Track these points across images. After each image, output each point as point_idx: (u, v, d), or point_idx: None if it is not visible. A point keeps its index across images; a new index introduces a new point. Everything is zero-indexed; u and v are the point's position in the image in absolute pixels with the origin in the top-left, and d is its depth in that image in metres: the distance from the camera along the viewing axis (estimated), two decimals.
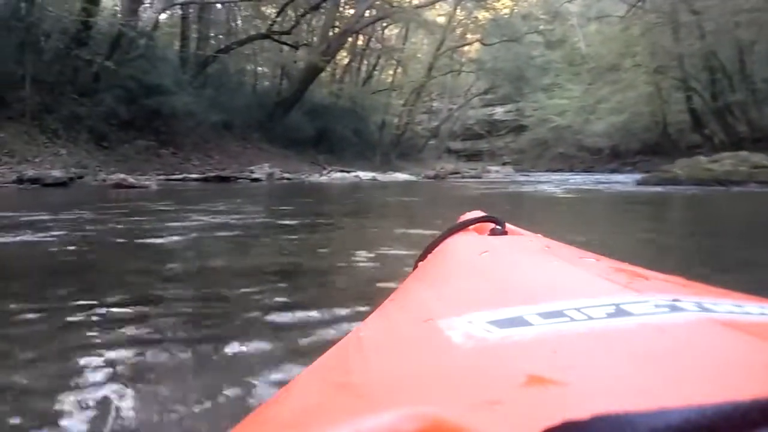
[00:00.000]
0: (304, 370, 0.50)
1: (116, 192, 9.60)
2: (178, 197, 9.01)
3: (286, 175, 16.18)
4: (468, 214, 1.17)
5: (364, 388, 0.38)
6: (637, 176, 16.21)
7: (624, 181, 15.32)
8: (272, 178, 15.64)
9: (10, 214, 5.10)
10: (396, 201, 8.56)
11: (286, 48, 27.76)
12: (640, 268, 0.58)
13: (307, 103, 27.95)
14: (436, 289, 0.66)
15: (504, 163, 38.99)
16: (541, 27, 35.92)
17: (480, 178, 20.21)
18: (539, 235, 1.00)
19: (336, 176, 15.93)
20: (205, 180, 14.40)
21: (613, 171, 31.33)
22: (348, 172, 17.02)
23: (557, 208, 7.58)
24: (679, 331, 0.35)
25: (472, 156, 43.38)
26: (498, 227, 1.00)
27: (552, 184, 14.16)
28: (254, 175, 14.81)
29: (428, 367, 0.37)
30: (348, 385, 0.40)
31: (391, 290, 0.81)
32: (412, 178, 18.46)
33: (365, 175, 16.25)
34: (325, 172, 17.13)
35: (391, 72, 35.72)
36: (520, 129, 43.08)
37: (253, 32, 25.06)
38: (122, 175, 10.15)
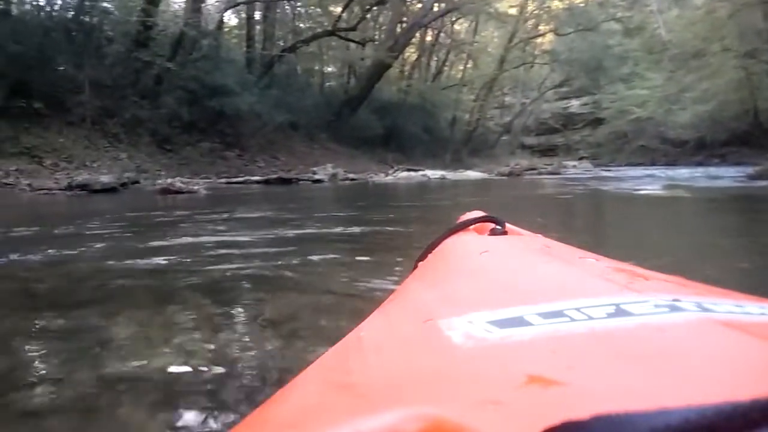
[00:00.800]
0: (304, 370, 0.49)
1: (163, 198, 8.86)
2: (224, 202, 8.22)
3: (351, 176, 15.26)
4: (468, 214, 1.17)
5: (364, 388, 0.38)
6: (732, 169, 14.46)
7: (727, 175, 13.59)
8: (336, 178, 14.75)
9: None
10: (468, 202, 7.47)
11: (353, 45, 26.96)
12: (640, 268, 0.57)
13: (375, 101, 27.06)
14: (436, 289, 0.65)
15: (581, 158, 37.07)
16: (619, 14, 33.62)
17: (558, 174, 18.77)
18: (539, 235, 1.01)
19: (402, 176, 14.89)
20: (267, 182, 13.61)
21: (699, 164, 29.22)
22: (416, 171, 15.95)
23: (691, 220, 5.44)
24: (679, 331, 0.35)
25: (547, 151, 41.43)
26: (498, 227, 1.00)
27: (644, 180, 12.68)
28: (316, 177, 13.94)
29: (428, 367, 0.38)
30: (348, 385, 0.40)
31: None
32: (485, 175, 17.23)
33: (434, 173, 15.13)
34: (390, 171, 16.12)
35: (461, 67, 34.35)
36: (597, 122, 40.79)
37: (318, 30, 24.28)
38: (169, 180, 9.42)
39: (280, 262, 2.80)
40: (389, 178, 14.52)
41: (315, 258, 2.93)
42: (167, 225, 4.77)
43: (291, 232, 4.09)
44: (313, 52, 27.08)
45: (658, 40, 36.74)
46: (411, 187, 11.99)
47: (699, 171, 17.82)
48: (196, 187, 9.51)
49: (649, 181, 11.82)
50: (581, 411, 0.24)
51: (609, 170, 22.51)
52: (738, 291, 0.46)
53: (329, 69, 29.69)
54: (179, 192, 9.15)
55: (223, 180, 14.28)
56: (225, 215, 5.80)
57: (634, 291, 0.44)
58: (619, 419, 0.23)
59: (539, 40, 36.83)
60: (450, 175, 15.52)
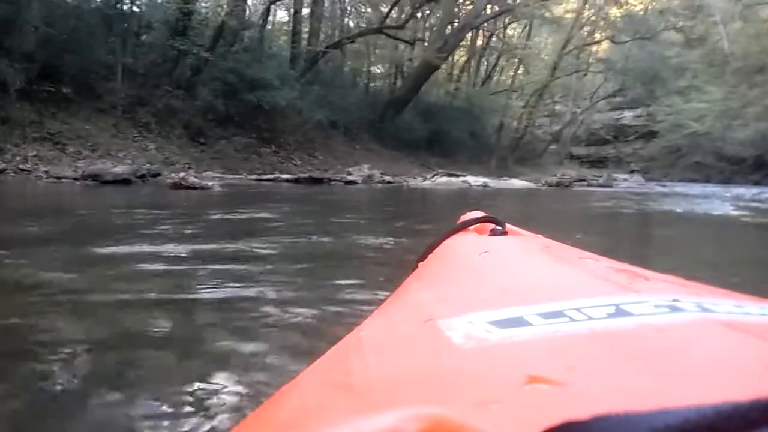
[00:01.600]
0: (304, 370, 0.48)
1: (174, 193, 7.95)
2: (236, 201, 7.25)
3: (387, 178, 14.19)
4: (468, 214, 1.17)
5: (364, 388, 0.37)
6: None
7: None
8: (371, 180, 13.71)
9: None
10: (507, 214, 6.33)
11: (401, 46, 25.89)
12: (640, 269, 0.57)
13: (421, 103, 25.97)
14: (437, 289, 0.65)
15: (631, 171, 35.35)
16: (680, 23, 31.71)
17: (609, 186, 17.33)
18: (539, 235, 1.00)
19: (442, 181, 13.75)
20: (297, 181, 12.67)
21: (756, 183, 27.48)
22: (457, 176, 14.76)
23: None
24: (679, 331, 0.35)
25: (596, 162, 39.56)
26: (498, 227, 1.00)
27: (709, 199, 11.26)
28: (350, 177, 12.92)
29: (428, 367, 0.37)
30: (348, 385, 0.39)
31: None
32: (530, 185, 15.94)
33: (475, 180, 13.93)
34: (429, 176, 14.97)
35: (511, 72, 32.91)
36: (650, 135, 38.83)
37: (365, 27, 23.28)
38: (182, 174, 8.49)
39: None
40: (427, 183, 13.41)
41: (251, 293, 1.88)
42: (126, 229, 3.76)
43: (271, 244, 3.06)
44: (361, 51, 26.11)
45: (719, 52, 34.74)
46: (448, 195, 10.87)
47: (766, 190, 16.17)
48: (210, 183, 8.59)
49: (714, 201, 10.42)
50: (581, 411, 0.24)
51: (664, 186, 20.91)
52: (738, 291, 0.45)
53: (378, 70, 28.72)
54: (191, 187, 8.22)
55: (254, 177, 13.39)
56: (216, 216, 4.82)
57: (634, 291, 0.44)
58: (619, 419, 0.23)
59: (594, 47, 35.17)
60: (493, 182, 14.32)
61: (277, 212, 5.51)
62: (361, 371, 0.41)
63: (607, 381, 0.29)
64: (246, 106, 15.94)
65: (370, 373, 0.40)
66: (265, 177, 13.23)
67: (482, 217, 1.07)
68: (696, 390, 0.26)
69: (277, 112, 17.07)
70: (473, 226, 1.06)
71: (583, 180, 17.54)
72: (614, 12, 31.76)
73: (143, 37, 15.28)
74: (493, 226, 1.01)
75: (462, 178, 14.16)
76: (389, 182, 13.63)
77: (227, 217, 4.92)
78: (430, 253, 0.97)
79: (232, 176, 13.40)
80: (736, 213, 7.65)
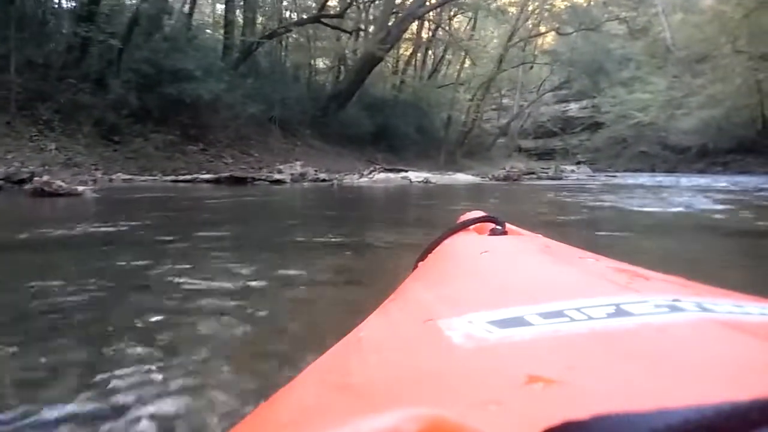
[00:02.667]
0: (304, 370, 0.47)
1: (31, 202, 6.14)
2: (98, 211, 5.47)
3: (322, 176, 12.47)
4: (468, 214, 1.14)
5: (364, 388, 0.37)
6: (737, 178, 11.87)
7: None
8: (303, 178, 12.00)
9: None
10: (437, 219, 4.76)
11: (344, 38, 24.17)
12: (640, 268, 0.56)
13: (366, 97, 24.33)
14: (436, 289, 0.63)
15: (578, 162, 34.32)
16: (624, 14, 30.71)
17: (559, 179, 15.94)
18: (539, 235, 0.97)
19: (380, 177, 12.11)
20: (218, 182, 10.89)
21: (700, 172, 26.76)
22: (397, 172, 13.14)
23: None
24: (679, 331, 0.35)
25: (544, 155, 38.49)
26: (498, 227, 0.98)
27: (670, 190, 9.86)
28: (277, 176, 11.17)
29: (428, 367, 0.36)
30: (348, 385, 0.39)
31: None
32: (476, 179, 14.39)
33: (417, 176, 12.33)
34: (366, 172, 13.30)
35: (457, 66, 31.41)
36: (596, 126, 37.94)
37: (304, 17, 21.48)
38: (45, 178, 6.61)
39: None
40: (364, 180, 11.77)
41: None
42: None
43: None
44: (302, 44, 24.31)
45: (661, 43, 33.98)
46: (382, 194, 9.24)
47: (723, 179, 14.95)
48: (80, 188, 6.75)
49: (683, 193, 9.01)
50: (581, 411, 0.23)
51: (614, 176, 19.68)
52: (738, 291, 0.44)
53: (321, 64, 26.91)
54: (56, 194, 6.40)
55: (170, 178, 11.54)
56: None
57: (634, 291, 0.43)
58: (619, 419, 0.22)
59: (540, 40, 34.03)
60: (436, 178, 12.74)
61: (126, 228, 3.79)
62: (361, 371, 0.40)
63: (607, 381, 0.28)
64: (165, 100, 14.01)
65: (370, 373, 0.39)
66: (182, 178, 11.40)
67: (482, 217, 1.03)
68: (696, 390, 0.26)
69: (203, 106, 15.18)
70: (473, 226, 1.03)
71: (532, 173, 16.09)
72: (558, 3, 30.63)
73: (47, 25, 13.17)
74: (492, 225, 0.99)
75: (402, 174, 12.55)
76: (325, 180, 11.95)
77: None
78: (430, 252, 0.94)
79: (144, 177, 11.54)
80: (711, 206, 6.16)
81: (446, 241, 0.97)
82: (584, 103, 39.04)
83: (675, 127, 31.00)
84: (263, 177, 11.09)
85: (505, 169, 17.92)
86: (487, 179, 14.18)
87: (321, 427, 0.30)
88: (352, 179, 11.96)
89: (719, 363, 0.29)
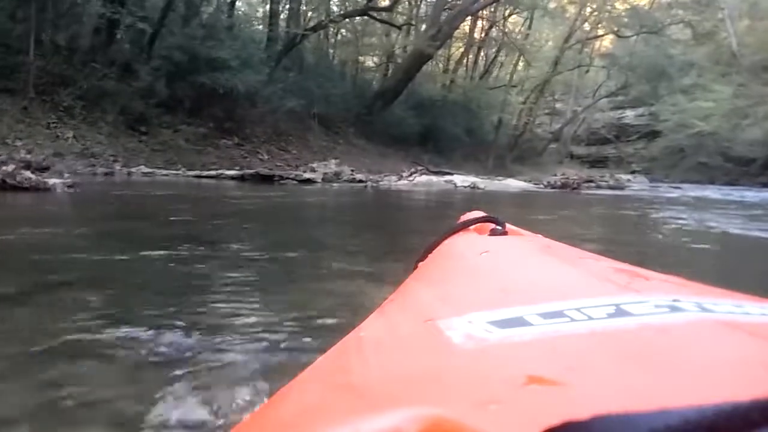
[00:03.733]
0: (304, 370, 0.46)
1: None
2: (49, 213, 4.15)
3: (359, 176, 11.02)
4: (468, 214, 1.11)
5: (364, 388, 0.36)
6: None
7: None
8: (338, 178, 10.58)
9: None
10: None
11: (394, 35, 22.69)
12: (640, 269, 0.55)
13: (413, 96, 22.81)
14: (436, 289, 0.63)
15: (633, 171, 32.12)
16: (688, 18, 28.28)
17: (621, 189, 14.04)
18: (539, 235, 0.95)
19: (421, 180, 10.60)
20: (242, 179, 9.58)
21: (764, 185, 24.48)
22: (442, 175, 11.58)
23: None
24: (679, 331, 0.34)
25: (597, 162, 36.10)
26: (498, 227, 0.95)
27: (758, 207, 8.05)
28: (306, 175, 9.77)
29: (429, 367, 0.36)
30: (348, 385, 0.38)
31: None
32: (529, 186, 12.70)
33: (463, 180, 10.75)
34: (406, 174, 11.76)
35: (510, 67, 29.50)
36: (652, 135, 35.40)
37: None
38: (10, 168, 5.30)
39: None
40: (403, 183, 10.28)
41: None
42: None
43: None
44: (349, 39, 22.94)
45: (726, 50, 31.38)
46: (422, 200, 7.74)
47: None
48: (51, 181, 5.43)
49: None
50: (581, 411, 0.23)
51: (678, 188, 17.63)
52: (738, 291, 0.44)
53: (370, 63, 25.49)
54: (19, 187, 5.10)
55: (193, 173, 10.28)
56: None
57: (634, 291, 0.42)
58: (619, 419, 0.22)
59: (597, 43, 31.85)
60: (485, 183, 11.14)
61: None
62: (361, 371, 0.40)
63: (607, 381, 0.28)
64: (199, 90, 12.80)
65: (370, 373, 0.39)
66: (206, 173, 10.14)
67: (482, 217, 1.01)
68: (696, 390, 0.25)
69: (240, 98, 13.92)
70: (473, 226, 1.00)
71: (591, 181, 14.19)
72: (619, 5, 28.42)
73: (74, 5, 12.06)
74: (493, 225, 0.96)
75: (446, 178, 10.98)
76: (360, 181, 10.51)
77: None
78: (430, 253, 0.92)
79: (167, 171, 10.31)
80: None
81: (446, 242, 0.94)
82: (641, 110, 36.55)
83: (739, 138, 28.49)
84: (292, 176, 9.71)
85: (560, 175, 16.15)
86: (541, 186, 12.47)
87: (322, 427, 0.30)
88: (391, 181, 10.47)
89: (719, 363, 0.29)
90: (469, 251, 0.80)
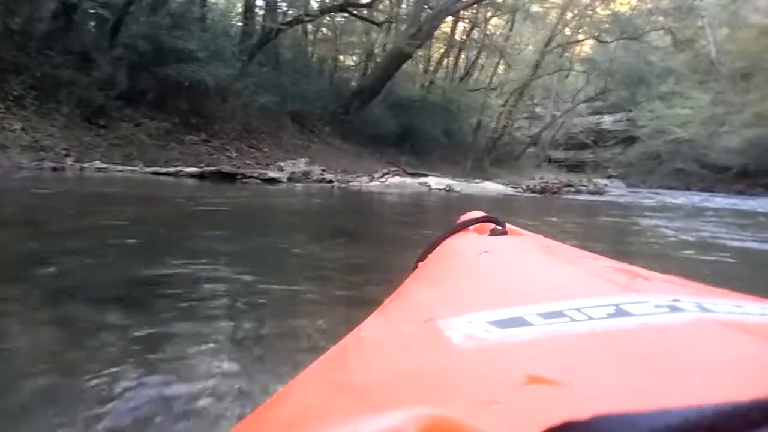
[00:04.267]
0: (304, 370, 0.46)
1: None
2: None
3: (329, 176, 10.27)
4: (468, 214, 1.10)
5: (364, 388, 0.36)
6: None
7: None
8: (307, 178, 9.83)
9: None
10: None
11: (374, 34, 21.97)
12: (640, 269, 0.54)
13: (392, 96, 22.11)
14: (436, 289, 0.62)
15: (609, 176, 31.81)
16: (669, 24, 27.92)
17: (601, 194, 13.45)
18: (539, 235, 0.94)
19: (394, 182, 9.88)
20: (202, 177, 8.79)
21: (739, 192, 24.22)
22: (416, 176, 10.88)
23: None
24: (679, 331, 0.34)
25: (574, 167, 35.68)
26: (498, 227, 0.93)
27: (751, 217, 7.47)
28: (271, 174, 8.99)
29: (428, 367, 0.36)
30: (348, 385, 0.38)
31: None
32: (507, 190, 12.05)
33: (439, 182, 10.05)
34: (377, 175, 11.03)
35: (491, 69, 28.91)
36: (630, 140, 35.05)
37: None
38: None
39: None
40: (375, 185, 9.57)
41: None
42: None
43: None
44: (329, 37, 22.19)
45: (705, 58, 31.13)
46: (392, 203, 7.04)
47: None
48: None
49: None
50: (581, 411, 0.23)
51: (657, 193, 17.12)
52: (738, 291, 0.43)
53: (350, 62, 24.71)
54: None
55: (151, 170, 9.46)
56: None
57: (634, 291, 0.42)
58: (619, 419, 0.22)
59: (577, 48, 31.41)
60: (461, 185, 10.46)
61: None
62: (361, 371, 0.39)
63: (607, 381, 0.28)
64: (163, 82, 11.96)
65: (370, 373, 0.38)
66: (164, 170, 9.33)
67: (482, 217, 0.99)
68: (696, 390, 0.25)
69: (210, 92, 13.11)
70: (473, 226, 0.98)
71: (570, 186, 13.58)
72: (600, 11, 28.00)
73: None
74: (493, 225, 0.94)
75: (420, 180, 10.28)
76: (330, 182, 9.77)
77: None
78: (430, 253, 0.90)
79: (122, 168, 9.48)
80: None
81: (446, 242, 0.93)
82: (619, 116, 36.22)
83: (716, 145, 28.21)
84: (255, 174, 8.93)
85: (538, 179, 15.53)
86: (520, 190, 11.84)
87: (321, 427, 0.29)
88: (362, 182, 9.75)
89: (719, 363, 0.28)
90: (469, 251, 0.78)
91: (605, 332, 0.33)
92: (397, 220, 5.21)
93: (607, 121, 37.52)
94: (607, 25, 27.60)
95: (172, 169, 9.25)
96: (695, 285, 0.47)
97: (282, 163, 10.59)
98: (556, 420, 0.22)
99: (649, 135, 32.62)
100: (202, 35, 12.98)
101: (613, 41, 27.48)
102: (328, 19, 20.88)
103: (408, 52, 19.25)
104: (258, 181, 8.60)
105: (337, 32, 21.53)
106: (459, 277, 0.67)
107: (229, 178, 8.68)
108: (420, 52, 24.75)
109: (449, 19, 23.76)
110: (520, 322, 0.37)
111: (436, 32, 24.70)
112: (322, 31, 22.28)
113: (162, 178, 9.01)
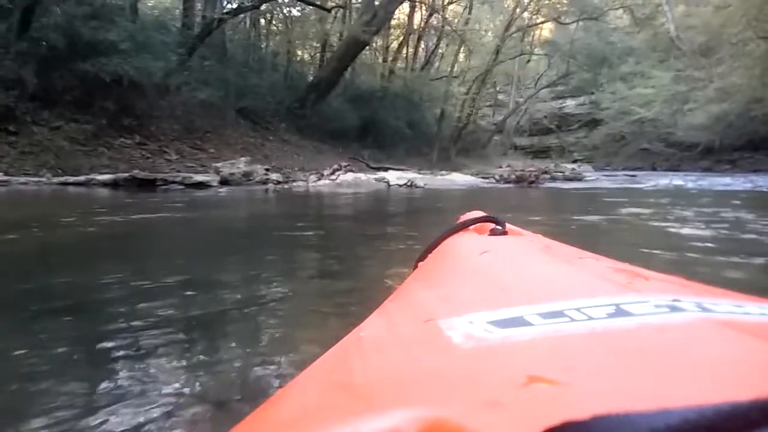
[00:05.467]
0: (304, 370, 0.44)
1: None
2: None
3: (274, 177, 8.60)
4: (468, 214, 1.07)
5: (364, 388, 0.35)
6: None
7: None
8: (247, 180, 8.17)
9: None
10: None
11: (329, 25, 20.30)
12: (640, 268, 0.53)
13: (352, 88, 20.52)
14: (436, 289, 0.60)
15: (575, 161, 30.66)
16: (628, 2, 26.68)
17: (579, 180, 12.00)
18: (539, 235, 0.91)
19: (347, 179, 8.26)
20: (115, 185, 7.09)
21: (706, 170, 23.38)
22: (380, 170, 9.27)
23: None
24: (679, 331, 0.33)
25: (539, 152, 34.53)
26: (498, 227, 0.91)
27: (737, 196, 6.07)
28: (199, 178, 7.32)
29: (429, 367, 0.35)
30: (348, 385, 0.37)
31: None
32: (478, 181, 10.50)
33: (399, 178, 8.46)
34: (327, 172, 9.34)
35: (452, 57, 27.40)
36: (593, 123, 33.99)
37: None
38: None
39: None
40: (324, 183, 7.96)
41: None
42: None
43: None
44: (281, 29, 20.46)
45: (664, 36, 30.05)
46: (345, 206, 5.45)
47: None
48: None
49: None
50: (581, 411, 0.22)
51: (633, 176, 15.80)
52: (738, 291, 0.42)
53: (307, 57, 22.95)
54: None
55: (58, 180, 7.71)
56: None
57: (634, 291, 0.41)
58: (619, 419, 0.21)
59: (538, 32, 30.08)
60: (426, 179, 8.89)
61: None
62: (361, 371, 0.38)
63: (607, 381, 0.27)
64: (85, 79, 10.16)
65: (370, 373, 0.37)
66: (73, 180, 7.60)
67: (482, 217, 0.96)
68: (696, 390, 0.24)
69: (142, 89, 11.32)
70: (473, 226, 0.96)
71: (546, 173, 12.04)
72: None
73: None
74: (493, 225, 0.92)
75: (377, 175, 8.68)
76: (276, 182, 8.13)
77: None
78: (430, 253, 0.88)
79: (27, 179, 7.73)
80: None
81: (446, 241, 0.90)
82: (582, 99, 35.13)
83: (682, 123, 27.19)
84: (178, 179, 7.24)
85: (506, 167, 14.03)
86: (492, 181, 10.28)
87: (321, 427, 0.29)
88: (309, 182, 8.11)
89: (719, 363, 0.28)
90: (469, 251, 0.76)
91: (605, 332, 0.33)
92: (350, 238, 3.67)
93: (570, 105, 36.40)
94: (566, 8, 26.33)
95: (82, 178, 7.52)
96: (695, 285, 0.45)
97: (219, 164, 8.89)
98: (556, 420, 0.22)
99: (612, 117, 31.60)
100: (128, 26, 11.16)
101: (572, 22, 26.19)
102: (278, 10, 19.21)
103: (364, 40, 17.60)
104: (181, 186, 6.94)
105: (289, 24, 19.78)
106: (459, 277, 0.65)
107: (148, 184, 7.00)
108: (379, 42, 23.19)
109: (406, 6, 22.24)
110: (520, 322, 0.36)
111: (395, 21, 23.19)
112: (272, 24, 20.57)
113: (72, 189, 7.31)
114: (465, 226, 0.95)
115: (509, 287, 0.50)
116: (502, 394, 0.27)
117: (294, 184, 7.82)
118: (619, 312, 0.35)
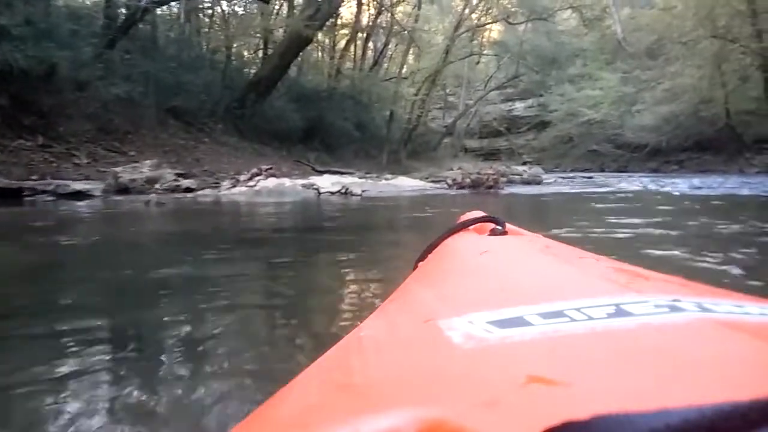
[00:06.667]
0: (304, 370, 0.43)
1: None
2: None
3: (186, 183, 7.01)
4: (468, 214, 1.03)
5: (364, 388, 0.34)
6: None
7: None
8: (151, 186, 6.58)
9: None
10: None
11: (272, 21, 18.71)
12: (640, 268, 0.52)
13: (296, 87, 18.96)
14: (436, 289, 0.59)
15: (524, 163, 29.73)
16: (577, 3, 25.93)
17: (538, 184, 10.77)
18: (539, 235, 0.88)
19: (267, 186, 6.75)
20: None
21: (654, 171, 22.81)
22: (323, 173, 7.79)
23: None
24: (679, 331, 0.32)
25: (489, 155, 33.51)
26: (498, 227, 0.88)
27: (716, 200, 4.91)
28: (78, 187, 5.72)
29: (428, 367, 0.34)
30: (348, 385, 0.36)
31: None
32: (428, 186, 9.12)
33: (334, 184, 6.99)
34: (244, 178, 7.75)
35: (401, 58, 26.08)
36: (542, 125, 33.24)
37: None
38: None
39: None
40: (239, 191, 6.46)
41: None
42: None
43: None
44: (221, 27, 18.76)
45: (611, 38, 29.54)
46: (257, 224, 3.99)
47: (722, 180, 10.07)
48: None
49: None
50: (581, 411, 0.22)
51: (590, 177, 14.78)
52: (738, 291, 0.41)
53: (248, 55, 21.21)
54: None
55: None
56: None
57: (634, 291, 0.40)
58: (619, 419, 0.21)
59: (487, 33, 29.07)
60: (366, 185, 7.48)
61: None
62: (361, 371, 0.38)
63: (607, 381, 0.26)
64: None
65: (370, 373, 0.37)
66: None
67: (482, 217, 0.93)
68: (696, 390, 0.24)
69: (50, 82, 9.57)
70: (473, 226, 0.94)
71: (503, 177, 10.65)
72: None
73: None
74: (493, 225, 0.89)
75: (305, 181, 7.20)
76: (186, 189, 6.57)
77: None
78: (430, 253, 0.86)
79: None
80: None
81: (446, 241, 0.89)
82: (530, 101, 34.38)
83: (630, 124, 26.58)
84: (50, 188, 5.61)
85: (457, 169, 12.73)
86: (444, 186, 8.92)
87: (321, 427, 0.28)
88: (221, 189, 6.58)
89: (719, 363, 0.27)
90: (469, 251, 0.75)
91: (605, 332, 0.32)
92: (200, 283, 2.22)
93: (519, 107, 35.62)
94: (514, 9, 25.38)
95: None
96: (695, 285, 0.44)
97: (118, 169, 7.27)
98: (556, 420, 0.22)
99: (560, 119, 30.92)
100: (26, 10, 9.37)
101: (521, 23, 25.25)
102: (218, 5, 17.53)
103: (307, 36, 16.10)
104: (53, 197, 5.33)
105: (229, 19, 18.10)
106: (459, 277, 0.64)
107: (14, 194, 5.36)
108: (326, 40, 21.72)
109: (354, 3, 20.85)
110: (520, 322, 0.35)
111: (342, 19, 21.76)
112: (213, 19, 18.86)
113: None
114: (465, 226, 0.93)
115: (509, 287, 0.49)
116: (502, 394, 0.26)
117: (200, 192, 6.28)
118: (619, 312, 0.35)
